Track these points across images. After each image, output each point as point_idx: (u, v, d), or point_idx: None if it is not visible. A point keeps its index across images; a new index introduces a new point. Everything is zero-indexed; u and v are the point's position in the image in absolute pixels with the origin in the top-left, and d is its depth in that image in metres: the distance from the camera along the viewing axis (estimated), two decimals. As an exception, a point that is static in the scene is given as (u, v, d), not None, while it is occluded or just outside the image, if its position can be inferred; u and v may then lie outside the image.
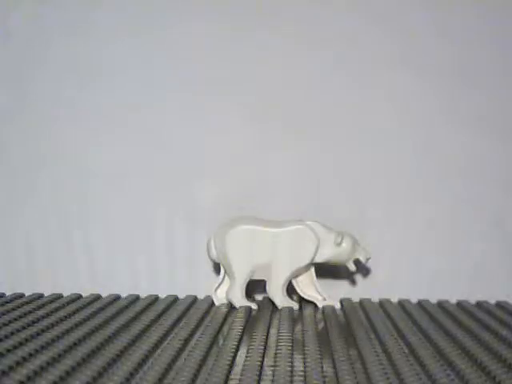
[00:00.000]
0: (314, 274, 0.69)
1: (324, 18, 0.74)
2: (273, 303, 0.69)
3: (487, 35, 0.74)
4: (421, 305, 0.71)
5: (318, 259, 0.68)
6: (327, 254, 0.68)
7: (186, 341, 0.56)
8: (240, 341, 0.56)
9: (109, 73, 0.74)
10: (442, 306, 0.70)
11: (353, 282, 0.74)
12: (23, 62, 0.74)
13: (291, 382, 0.46)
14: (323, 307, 0.69)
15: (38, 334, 0.57)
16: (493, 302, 0.72)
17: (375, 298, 0.73)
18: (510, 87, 0.74)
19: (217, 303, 0.69)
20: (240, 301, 0.68)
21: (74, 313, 0.65)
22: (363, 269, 0.73)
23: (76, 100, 0.74)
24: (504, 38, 0.74)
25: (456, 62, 0.74)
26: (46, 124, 0.74)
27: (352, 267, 0.69)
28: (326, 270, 0.72)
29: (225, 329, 0.61)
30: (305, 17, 0.74)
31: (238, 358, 0.52)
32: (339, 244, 0.68)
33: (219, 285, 0.70)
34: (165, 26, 0.74)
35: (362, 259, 0.69)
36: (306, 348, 0.54)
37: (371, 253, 0.69)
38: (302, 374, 0.48)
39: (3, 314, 0.63)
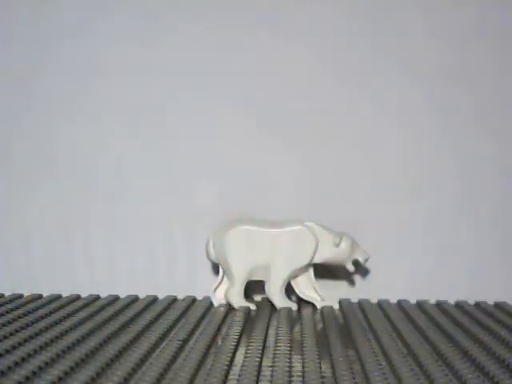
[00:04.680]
0: (312, 275, 0.70)
1: (323, 17, 0.74)
2: (271, 304, 0.69)
3: (484, 35, 0.74)
4: (419, 305, 0.71)
5: (317, 260, 0.68)
6: (326, 254, 0.68)
7: (185, 341, 0.56)
8: (239, 341, 0.56)
9: (110, 74, 0.74)
10: (440, 306, 0.70)
11: (351, 283, 0.74)
12: (25, 63, 0.74)
13: (290, 382, 0.46)
14: (322, 308, 0.69)
15: (37, 334, 0.57)
16: (491, 302, 0.72)
17: (374, 299, 0.73)
18: (507, 87, 0.74)
19: (216, 304, 0.69)
20: (239, 301, 0.68)
21: (73, 313, 0.65)
22: (362, 269, 0.74)
23: (77, 100, 0.74)
24: (501, 38, 0.74)
25: (455, 62, 0.74)
26: (47, 124, 0.74)
27: (351, 268, 0.69)
28: (325, 271, 0.72)
29: (223, 329, 0.61)
30: (305, 17, 0.74)
31: (236, 358, 0.52)
32: (338, 245, 0.68)
33: (218, 285, 0.70)
34: (166, 29, 0.74)
35: (361, 260, 0.69)
36: (305, 348, 0.54)
37: (370, 253, 0.70)
38: (300, 374, 0.48)
39: (3, 315, 0.63)
